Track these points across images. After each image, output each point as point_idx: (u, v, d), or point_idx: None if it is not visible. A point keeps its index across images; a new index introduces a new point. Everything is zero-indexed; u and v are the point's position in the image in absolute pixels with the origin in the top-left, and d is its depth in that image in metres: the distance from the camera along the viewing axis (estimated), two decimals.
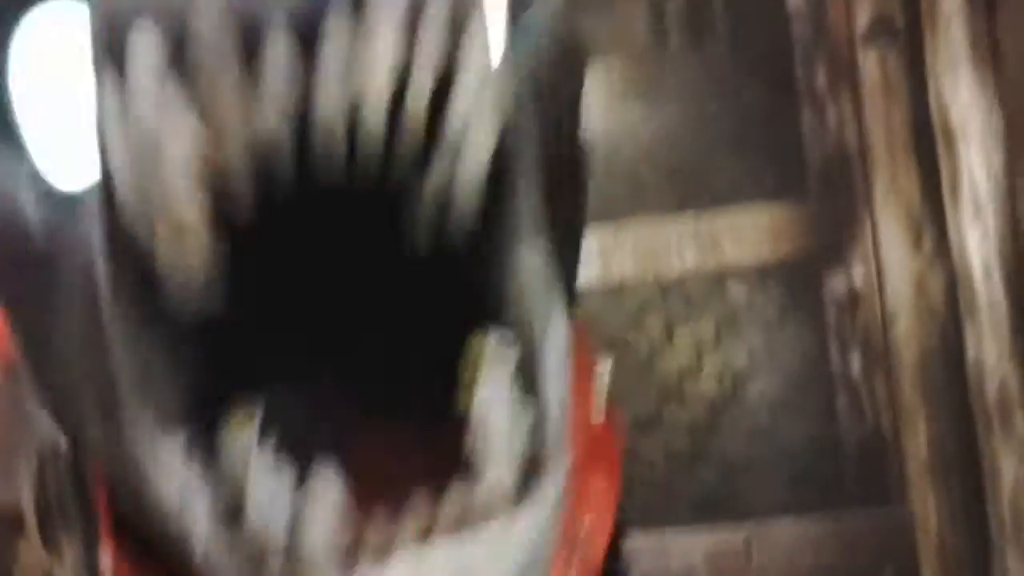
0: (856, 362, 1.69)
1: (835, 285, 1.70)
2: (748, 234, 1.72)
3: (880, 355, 1.68)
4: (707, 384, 1.74)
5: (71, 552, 0.55)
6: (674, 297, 1.75)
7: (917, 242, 1.65)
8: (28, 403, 1.63)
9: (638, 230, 1.74)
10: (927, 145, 1.63)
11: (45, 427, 1.63)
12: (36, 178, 0.42)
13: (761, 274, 1.73)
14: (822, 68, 1.67)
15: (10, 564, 1.49)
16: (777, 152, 1.70)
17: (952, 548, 1.64)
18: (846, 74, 1.66)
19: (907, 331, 1.66)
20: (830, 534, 1.69)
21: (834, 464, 1.69)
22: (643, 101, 1.74)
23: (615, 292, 1.76)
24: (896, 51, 1.63)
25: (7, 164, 0.42)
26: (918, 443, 1.66)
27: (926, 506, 1.65)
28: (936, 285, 1.65)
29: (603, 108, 1.75)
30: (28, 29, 0.42)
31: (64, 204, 0.41)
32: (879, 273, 1.67)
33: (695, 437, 1.75)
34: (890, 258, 1.66)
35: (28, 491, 1.51)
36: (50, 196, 0.42)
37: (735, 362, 1.74)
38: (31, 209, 0.42)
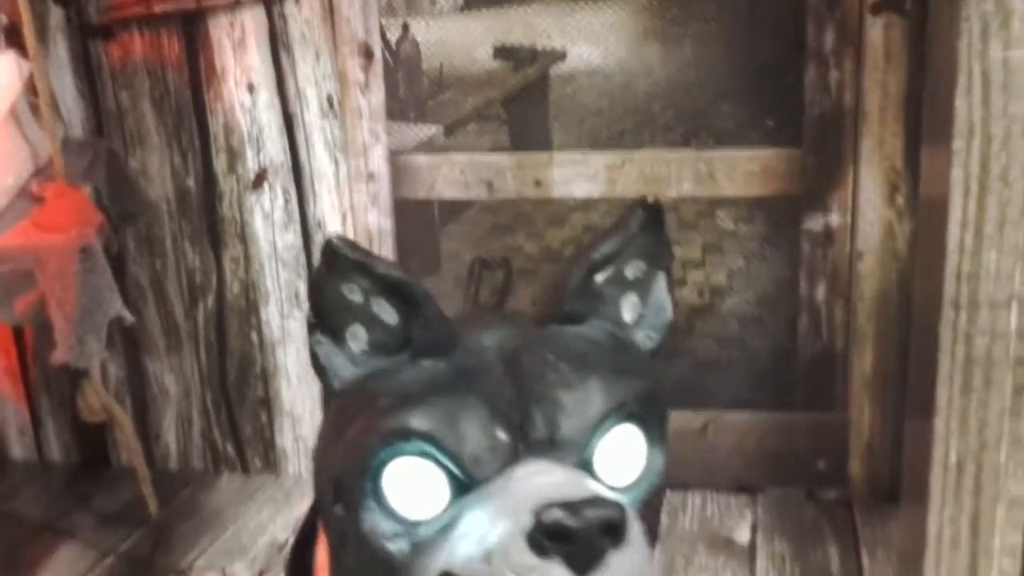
0: (821, 290, 1.92)
1: (813, 224, 1.90)
2: (741, 172, 1.89)
3: (843, 286, 1.91)
4: (689, 295, 1.97)
5: None
6: (668, 219, 1.94)
7: (892, 196, 1.84)
8: (101, 282, 1.88)
9: (644, 158, 1.90)
10: (915, 115, 1.78)
11: (116, 304, 1.87)
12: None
13: (748, 207, 1.91)
14: (831, 32, 1.78)
15: (77, 401, 1.83)
16: (778, 103, 1.84)
17: (878, 451, 1.96)
18: (852, 40, 1.77)
19: (870, 269, 1.89)
20: (776, 428, 1.99)
21: (788, 373, 1.97)
22: (661, 44, 1.84)
23: (618, 207, 1.94)
24: (901, 26, 1.74)
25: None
26: (864, 363, 1.93)
27: (862, 415, 1.95)
28: (902, 234, 1.86)
29: (625, 46, 1.85)
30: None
31: (409, 533, 0.62)
32: (853, 218, 1.87)
33: (673, 338, 2.00)
34: (865, 207, 1.86)
35: (97, 353, 1.78)
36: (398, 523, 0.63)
37: (715, 279, 1.96)
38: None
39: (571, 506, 0.54)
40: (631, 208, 0.71)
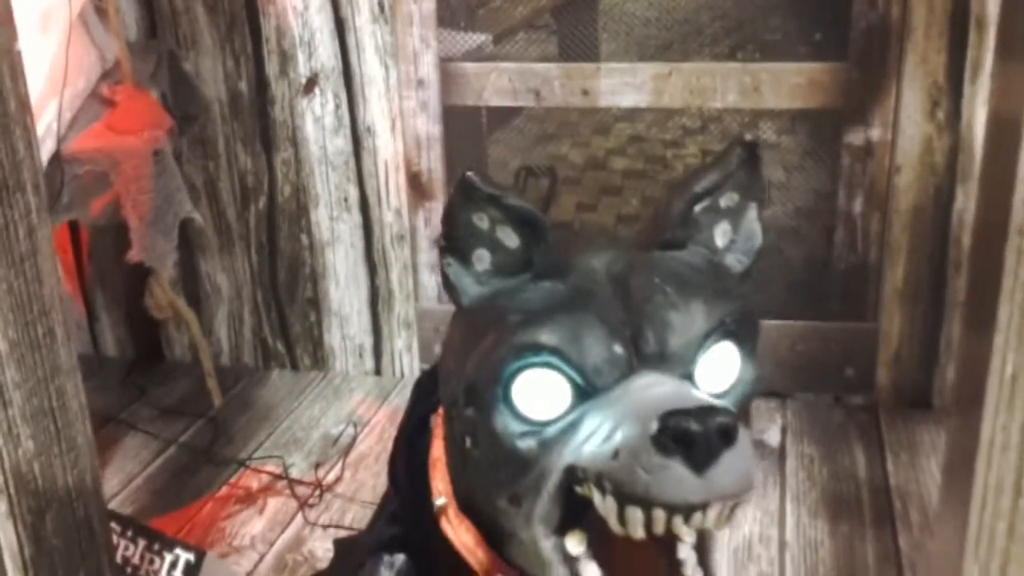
0: (859, 203, 1.98)
1: (854, 138, 1.94)
2: (786, 84, 1.92)
3: (881, 200, 1.96)
4: None
5: None
6: (712, 129, 1.98)
7: (932, 111, 1.88)
8: (172, 184, 1.96)
9: (690, 69, 1.93)
10: (960, 31, 1.81)
11: (185, 205, 1.97)
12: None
13: (791, 120, 1.95)
14: None
15: (145, 299, 1.92)
16: (825, 18, 1.86)
17: (905, 360, 2.03)
18: None
19: (908, 183, 1.94)
20: (808, 336, 2.07)
21: (823, 283, 2.03)
22: None
23: (663, 118, 1.98)
24: None
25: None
26: (896, 275, 1.99)
27: (892, 325, 2.02)
28: (941, 149, 1.90)
29: None
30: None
31: (537, 432, 0.71)
32: (894, 133, 1.91)
33: None
34: (906, 122, 1.90)
35: (169, 252, 1.86)
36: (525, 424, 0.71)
37: None
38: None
39: (694, 413, 0.62)
40: (730, 145, 0.78)
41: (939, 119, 1.88)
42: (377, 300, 2.20)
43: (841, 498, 1.75)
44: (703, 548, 0.73)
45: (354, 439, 1.97)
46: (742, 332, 0.74)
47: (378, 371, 2.24)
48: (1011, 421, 0.82)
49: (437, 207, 2.11)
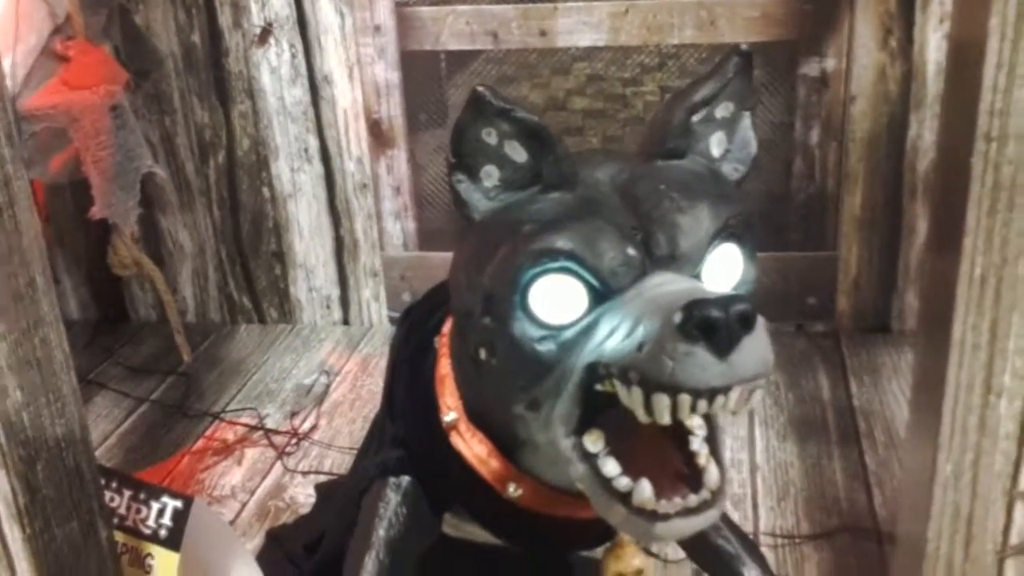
0: (816, 134, 2.01)
1: (809, 69, 1.96)
2: (741, 18, 1.94)
3: (837, 130, 1.99)
4: None
5: None
6: (671, 66, 2.00)
7: (885, 39, 1.91)
8: (132, 138, 1.95)
9: (647, 6, 1.94)
10: None
11: (146, 160, 1.96)
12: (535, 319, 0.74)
13: None
14: None
15: (108, 257, 1.92)
16: None
17: (864, 287, 2.08)
18: None
19: (863, 111, 1.97)
20: (770, 267, 2.10)
21: (783, 214, 2.07)
22: None
23: (621, 56, 1.99)
24: None
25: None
26: (854, 204, 2.03)
27: (850, 253, 2.07)
28: (894, 77, 1.94)
29: None
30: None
31: (555, 336, 0.73)
32: (848, 62, 1.94)
33: None
34: (860, 51, 1.92)
35: (132, 209, 1.86)
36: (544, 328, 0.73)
37: None
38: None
39: (715, 301, 0.65)
40: (727, 55, 0.79)
41: (892, 47, 1.92)
42: (342, 250, 2.20)
43: (808, 421, 1.79)
44: (713, 439, 0.76)
45: (327, 388, 1.98)
46: (744, 234, 0.77)
47: (346, 321, 2.25)
48: (981, 321, 0.86)
49: (399, 154, 2.10)
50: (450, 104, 2.06)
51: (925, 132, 1.96)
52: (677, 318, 0.65)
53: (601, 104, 2.04)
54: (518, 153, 0.77)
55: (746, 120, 0.84)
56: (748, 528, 1.49)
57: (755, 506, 1.56)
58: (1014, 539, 0.92)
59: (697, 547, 1.02)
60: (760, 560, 1.02)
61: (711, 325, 0.64)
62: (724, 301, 0.65)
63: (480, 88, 0.75)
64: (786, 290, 2.11)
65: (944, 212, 0.91)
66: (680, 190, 0.75)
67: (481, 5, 1.98)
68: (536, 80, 2.02)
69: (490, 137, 0.76)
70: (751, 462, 1.67)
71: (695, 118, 0.80)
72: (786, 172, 2.05)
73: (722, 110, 0.82)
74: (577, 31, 1.97)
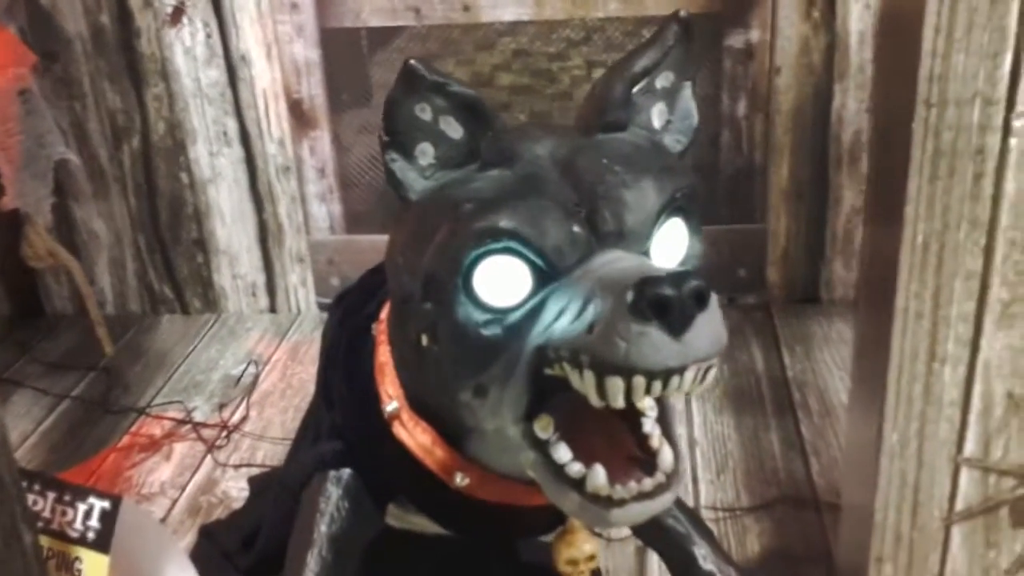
0: (742, 106, 2.01)
1: (734, 41, 1.96)
2: None
3: (763, 102, 2.00)
4: None
5: None
6: (596, 40, 1.98)
7: (808, 11, 1.92)
8: (42, 124, 1.88)
9: None
10: None
11: (58, 147, 1.89)
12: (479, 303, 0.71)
13: None
14: None
15: (22, 248, 1.85)
16: None
17: (793, 258, 2.10)
18: None
19: (788, 83, 1.98)
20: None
21: (711, 187, 2.07)
22: None
23: (546, 31, 1.96)
24: None
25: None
26: (781, 175, 2.04)
27: (779, 225, 2.08)
28: (817, 48, 1.94)
29: None
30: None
31: (500, 319, 0.70)
32: (772, 34, 1.94)
33: None
34: (783, 23, 1.93)
35: (45, 197, 1.79)
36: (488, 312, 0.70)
37: None
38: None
39: (667, 279, 0.62)
40: (665, 22, 0.77)
41: (815, 18, 1.92)
42: (266, 236, 2.14)
43: (743, 393, 1.80)
44: (665, 420, 0.74)
45: (256, 378, 1.93)
46: (689, 208, 0.75)
47: (273, 309, 2.20)
48: (923, 289, 0.85)
49: (321, 135, 2.05)
50: (373, 82, 2.01)
51: (849, 102, 1.97)
52: (628, 297, 0.63)
53: (527, 80, 2.01)
54: (454, 129, 0.73)
55: (687, 90, 0.82)
56: (689, 502, 1.49)
57: (695, 480, 1.56)
58: (960, 505, 0.92)
59: (646, 527, 1.00)
60: (709, 537, 1.01)
61: (664, 304, 0.61)
62: (676, 278, 0.62)
63: (412, 61, 0.71)
64: (717, 263, 2.11)
65: (883, 180, 0.90)
66: (624, 164, 0.72)
67: None
68: (460, 56, 1.99)
69: (424, 113, 0.73)
70: (689, 436, 1.67)
71: (635, 89, 0.78)
72: (713, 145, 2.05)
73: (662, 80, 0.79)
74: (501, 5, 1.94)
